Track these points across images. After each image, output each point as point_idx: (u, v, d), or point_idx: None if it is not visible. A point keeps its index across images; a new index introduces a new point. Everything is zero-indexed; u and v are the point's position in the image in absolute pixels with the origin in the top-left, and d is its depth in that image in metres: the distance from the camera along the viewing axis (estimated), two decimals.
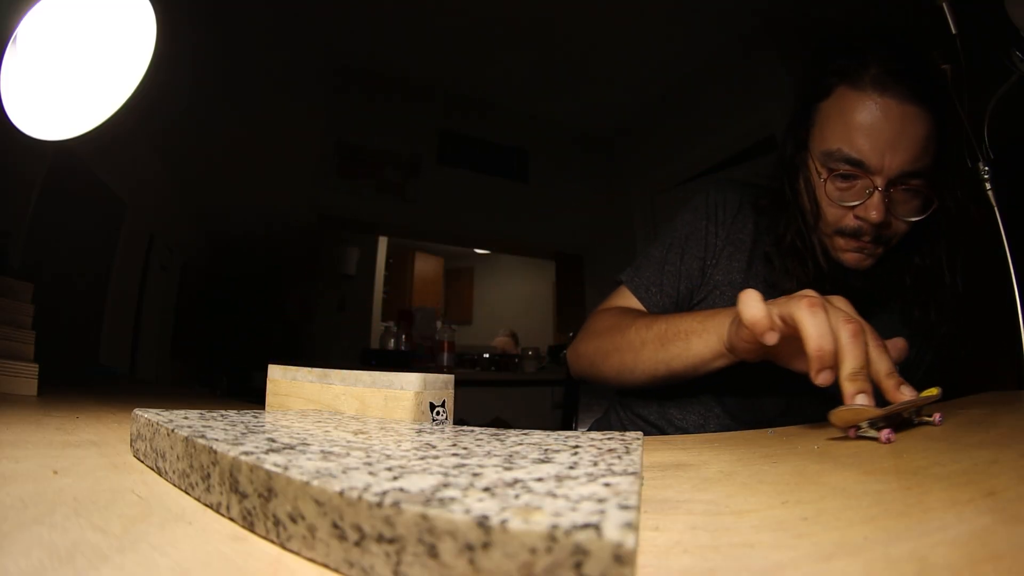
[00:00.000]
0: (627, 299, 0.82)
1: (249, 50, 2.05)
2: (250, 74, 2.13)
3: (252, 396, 1.10)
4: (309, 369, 0.51)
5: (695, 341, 0.62)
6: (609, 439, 0.32)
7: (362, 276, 2.90)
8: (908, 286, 0.73)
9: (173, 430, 0.28)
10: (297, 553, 0.19)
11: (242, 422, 0.33)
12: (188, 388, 1.92)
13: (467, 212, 3.01)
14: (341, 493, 0.18)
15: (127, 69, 0.64)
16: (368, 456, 0.25)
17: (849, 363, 0.43)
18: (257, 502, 0.21)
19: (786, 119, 0.78)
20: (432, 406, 0.43)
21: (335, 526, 0.18)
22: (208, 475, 0.24)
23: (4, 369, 0.64)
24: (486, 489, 0.19)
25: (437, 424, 0.43)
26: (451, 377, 0.46)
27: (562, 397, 1.26)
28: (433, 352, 3.04)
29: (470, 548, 0.15)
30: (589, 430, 0.55)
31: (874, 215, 0.64)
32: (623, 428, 0.78)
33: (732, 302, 0.76)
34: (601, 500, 0.17)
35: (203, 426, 0.30)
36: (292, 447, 0.26)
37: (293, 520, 0.19)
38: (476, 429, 0.37)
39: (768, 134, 2.11)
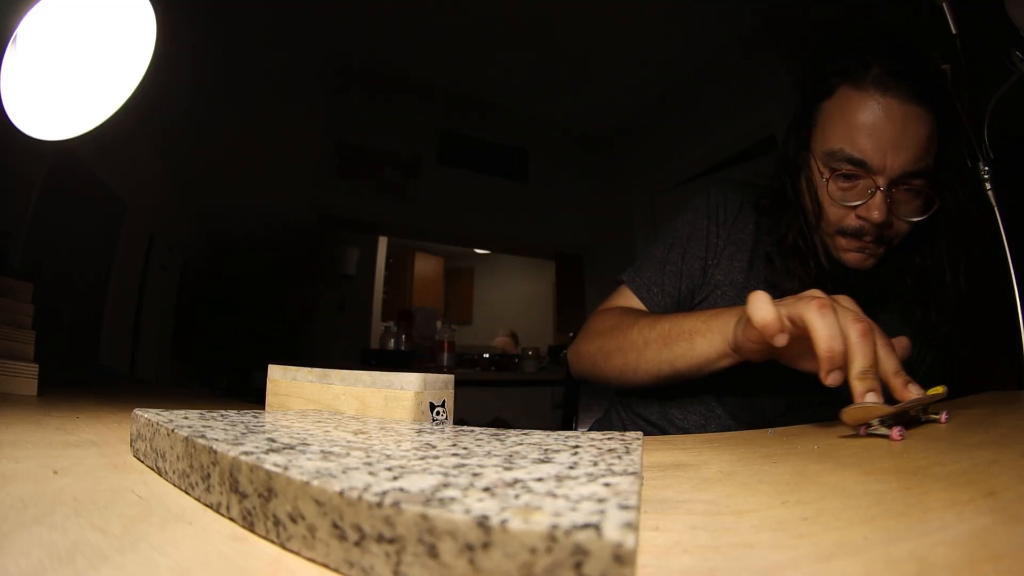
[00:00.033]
0: (628, 299, 0.82)
1: (249, 50, 2.05)
2: (250, 74, 2.13)
3: (252, 396, 1.10)
4: (309, 369, 0.51)
5: (699, 341, 0.62)
6: (609, 439, 0.32)
7: (362, 276, 2.91)
8: (909, 286, 0.73)
9: (173, 430, 0.28)
10: (297, 553, 0.19)
11: (242, 422, 0.33)
12: (188, 388, 1.92)
13: (467, 212, 3.01)
14: (341, 493, 0.18)
15: (127, 69, 0.64)
16: (368, 456, 0.25)
17: (859, 362, 0.43)
18: (257, 502, 0.21)
19: (786, 119, 0.78)
20: (432, 406, 0.43)
21: (335, 526, 0.18)
22: (208, 475, 0.24)
23: (4, 369, 0.64)
24: (486, 489, 0.19)
25: (437, 424, 0.43)
26: (451, 377, 0.46)
27: (562, 397, 1.26)
28: (433, 352, 3.04)
29: (470, 548, 0.15)
30: (590, 430, 0.55)
31: (876, 215, 0.64)
32: (624, 428, 0.78)
33: (733, 301, 0.75)
34: (601, 500, 0.17)
35: (203, 426, 0.30)
36: (292, 447, 0.26)
37: (293, 520, 0.19)
38: (476, 429, 0.37)
39: (768, 134, 2.11)
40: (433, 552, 0.16)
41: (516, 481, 0.20)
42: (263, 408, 0.53)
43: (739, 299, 0.71)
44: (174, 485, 0.27)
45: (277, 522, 0.20)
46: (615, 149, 3.28)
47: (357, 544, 0.17)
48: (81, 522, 0.21)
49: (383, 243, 3.11)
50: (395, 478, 0.20)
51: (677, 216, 0.84)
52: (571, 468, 0.23)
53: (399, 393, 0.43)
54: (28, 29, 0.60)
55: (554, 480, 0.21)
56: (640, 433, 0.34)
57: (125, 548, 0.19)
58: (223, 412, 0.37)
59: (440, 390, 0.44)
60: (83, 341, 1.48)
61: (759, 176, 0.83)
